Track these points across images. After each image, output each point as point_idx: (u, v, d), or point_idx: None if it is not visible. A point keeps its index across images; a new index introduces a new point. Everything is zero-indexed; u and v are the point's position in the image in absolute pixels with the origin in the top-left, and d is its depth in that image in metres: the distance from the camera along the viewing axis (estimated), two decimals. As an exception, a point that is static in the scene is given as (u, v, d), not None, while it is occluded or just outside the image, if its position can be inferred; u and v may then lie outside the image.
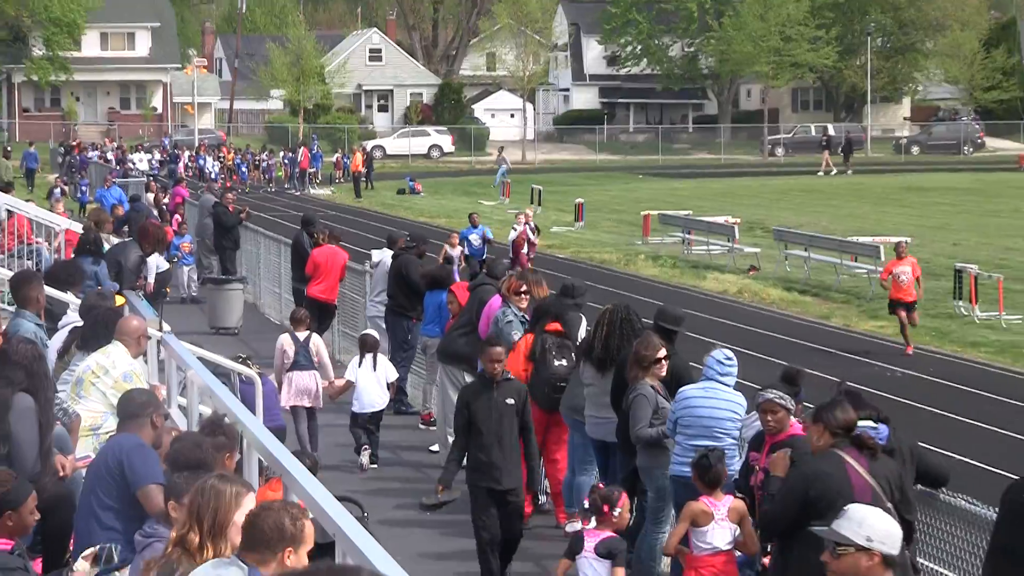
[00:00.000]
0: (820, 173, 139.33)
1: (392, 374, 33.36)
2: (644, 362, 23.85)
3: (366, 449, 32.52)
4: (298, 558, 11.86)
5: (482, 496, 22.56)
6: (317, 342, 34.01)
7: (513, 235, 50.41)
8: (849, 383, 22.24)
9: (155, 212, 56.84)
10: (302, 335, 33.36)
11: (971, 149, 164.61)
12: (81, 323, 22.62)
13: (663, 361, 23.85)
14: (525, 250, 50.81)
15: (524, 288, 31.80)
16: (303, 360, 32.73)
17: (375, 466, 32.67)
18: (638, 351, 24.38)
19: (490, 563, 22.49)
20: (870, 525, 12.88)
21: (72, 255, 32.69)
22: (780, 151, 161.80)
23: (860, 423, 18.97)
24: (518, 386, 23.84)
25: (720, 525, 19.66)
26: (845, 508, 13.61)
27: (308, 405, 32.54)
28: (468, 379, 30.28)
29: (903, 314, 38.94)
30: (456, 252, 36.79)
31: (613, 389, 25.53)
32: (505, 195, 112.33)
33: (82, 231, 33.89)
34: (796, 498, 17.71)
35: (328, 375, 34.16)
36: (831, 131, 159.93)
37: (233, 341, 41.27)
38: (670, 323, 26.68)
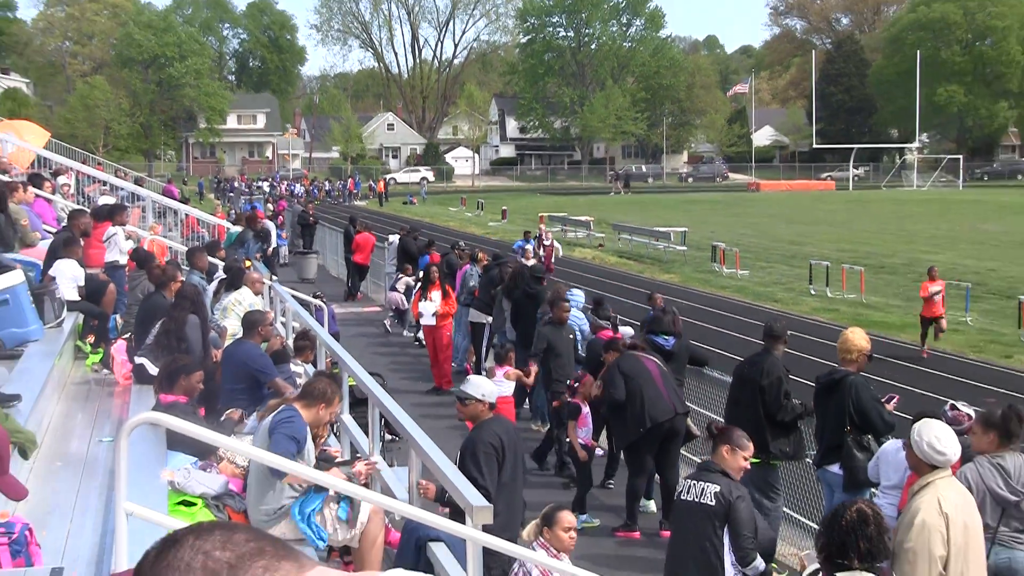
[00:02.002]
0: (612, 193, 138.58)
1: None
2: (556, 303, 24.18)
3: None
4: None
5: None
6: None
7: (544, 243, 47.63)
8: (663, 306, 22.75)
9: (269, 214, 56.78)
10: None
11: (721, 180, 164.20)
12: (225, 276, 22.62)
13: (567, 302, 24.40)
14: (553, 257, 49.06)
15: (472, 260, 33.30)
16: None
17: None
18: (553, 297, 24.91)
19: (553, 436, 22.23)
20: (482, 385, 13.72)
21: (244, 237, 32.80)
22: (613, 181, 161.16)
23: (661, 335, 19.78)
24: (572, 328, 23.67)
25: (502, 381, 20.91)
26: (468, 378, 14.47)
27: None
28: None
29: (942, 323, 34.06)
30: (530, 263, 34.85)
31: (513, 313, 26.92)
32: (462, 204, 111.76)
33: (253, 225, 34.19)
34: (618, 376, 18.06)
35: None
36: (619, 170, 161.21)
37: (311, 287, 41.15)
38: (538, 272, 29.48)
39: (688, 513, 12.49)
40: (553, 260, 51.10)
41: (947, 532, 10.01)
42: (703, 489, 12.46)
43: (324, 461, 12.59)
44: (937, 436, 10.49)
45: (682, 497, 12.79)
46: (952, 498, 10.26)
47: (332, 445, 14.12)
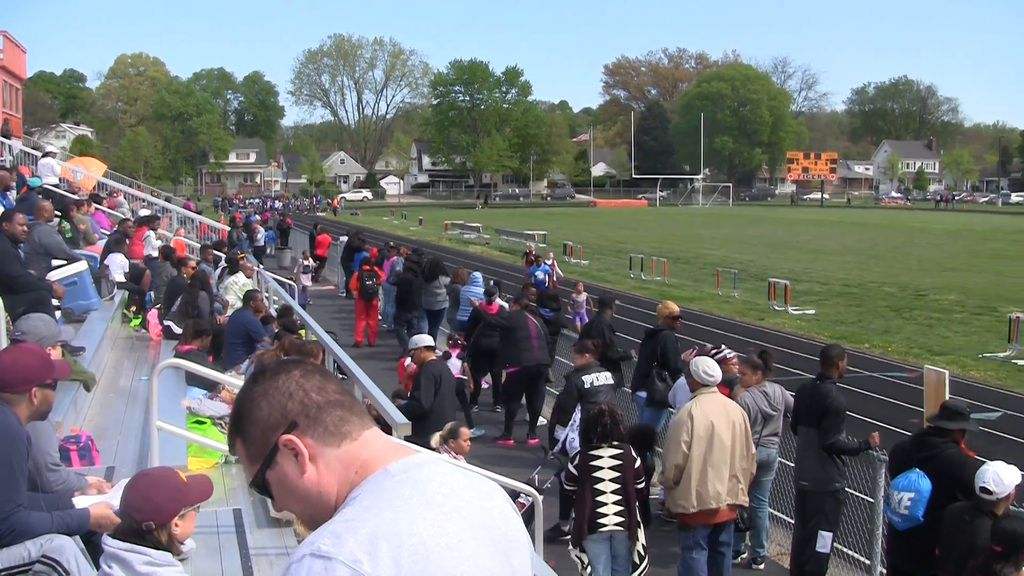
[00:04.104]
0: (477, 208, 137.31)
1: None
2: (460, 280, 24.41)
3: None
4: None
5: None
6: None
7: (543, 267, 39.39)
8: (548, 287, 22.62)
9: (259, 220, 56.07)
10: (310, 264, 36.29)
11: (570, 199, 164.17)
12: (226, 264, 22.43)
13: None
14: (555, 277, 41.84)
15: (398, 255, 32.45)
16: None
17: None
18: (457, 274, 25.18)
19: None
20: (418, 339, 15.10)
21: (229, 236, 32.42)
22: (498, 199, 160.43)
23: (546, 309, 20.07)
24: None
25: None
26: (412, 338, 15.58)
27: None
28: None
29: None
30: (582, 298, 30.73)
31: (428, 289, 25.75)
32: (392, 215, 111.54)
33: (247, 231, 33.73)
34: (503, 321, 19.03)
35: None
36: (484, 194, 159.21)
37: (286, 273, 40.68)
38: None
39: (601, 392, 14.05)
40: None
41: (691, 425, 10.78)
42: (605, 375, 14.63)
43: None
44: (707, 365, 11.25)
45: (595, 385, 14.40)
46: (705, 406, 10.96)
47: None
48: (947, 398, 11.16)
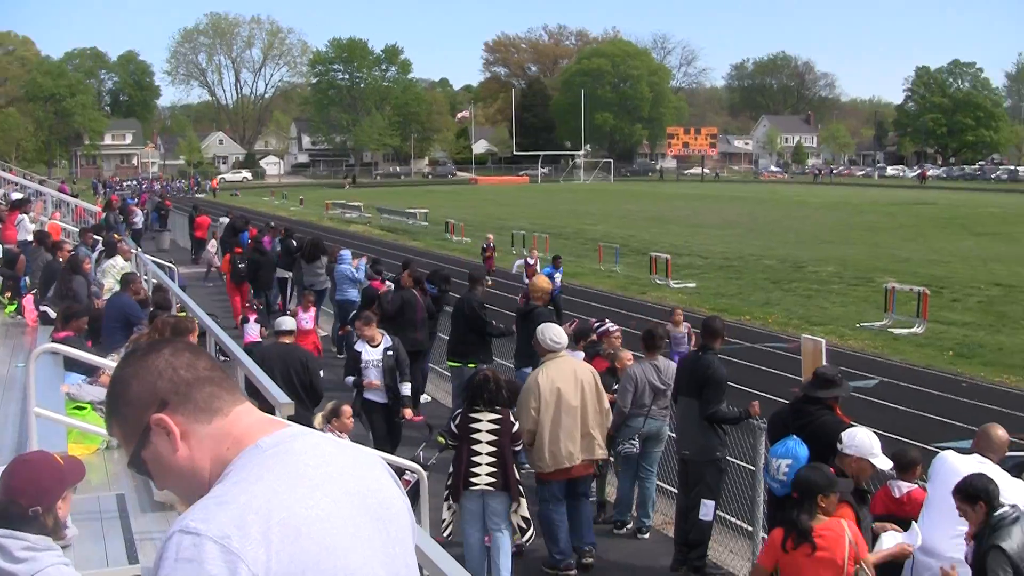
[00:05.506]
0: (345, 187, 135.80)
1: None
2: (377, 266, 24.39)
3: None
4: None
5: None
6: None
7: (520, 263, 36.18)
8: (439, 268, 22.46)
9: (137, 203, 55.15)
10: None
11: (451, 176, 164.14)
12: (104, 248, 22.12)
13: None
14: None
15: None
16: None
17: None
18: (333, 253, 25.60)
19: None
20: (277, 322, 15.06)
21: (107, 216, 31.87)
22: (378, 178, 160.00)
23: (432, 286, 20.35)
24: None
25: (304, 318, 21.23)
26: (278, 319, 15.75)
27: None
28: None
29: None
30: (682, 332, 20.22)
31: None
32: (272, 195, 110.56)
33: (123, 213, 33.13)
34: (399, 297, 19.88)
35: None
36: (350, 172, 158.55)
37: (165, 255, 40.02)
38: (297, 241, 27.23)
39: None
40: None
41: (538, 392, 11.36)
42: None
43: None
44: (554, 333, 11.86)
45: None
46: (551, 372, 11.56)
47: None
48: (820, 366, 11.43)
